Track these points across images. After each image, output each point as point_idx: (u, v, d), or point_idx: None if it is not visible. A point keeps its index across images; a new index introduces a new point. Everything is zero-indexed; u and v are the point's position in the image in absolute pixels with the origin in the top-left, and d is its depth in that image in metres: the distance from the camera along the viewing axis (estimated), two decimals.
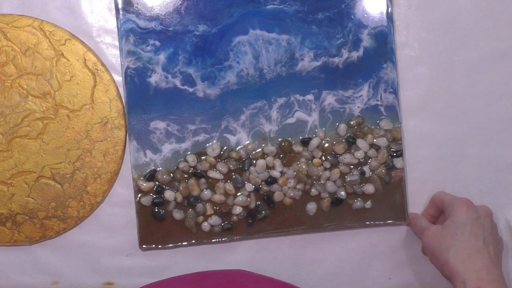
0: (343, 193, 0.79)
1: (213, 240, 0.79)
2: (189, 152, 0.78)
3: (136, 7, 0.77)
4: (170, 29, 0.77)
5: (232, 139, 0.78)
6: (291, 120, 0.79)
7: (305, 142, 0.79)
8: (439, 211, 0.78)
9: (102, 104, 0.78)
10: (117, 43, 0.78)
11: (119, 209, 0.79)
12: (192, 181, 0.78)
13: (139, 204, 0.78)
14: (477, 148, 0.81)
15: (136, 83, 0.77)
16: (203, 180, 0.78)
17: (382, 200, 0.79)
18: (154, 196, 0.78)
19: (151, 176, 0.78)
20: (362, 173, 0.79)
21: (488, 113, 0.80)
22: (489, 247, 0.71)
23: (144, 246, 0.78)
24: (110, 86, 0.78)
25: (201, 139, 0.78)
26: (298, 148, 0.79)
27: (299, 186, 0.79)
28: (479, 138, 0.80)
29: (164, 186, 0.78)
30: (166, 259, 0.80)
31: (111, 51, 0.79)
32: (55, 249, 0.79)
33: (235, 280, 0.76)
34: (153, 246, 0.79)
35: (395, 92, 0.79)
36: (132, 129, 0.78)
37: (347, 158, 0.79)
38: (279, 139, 0.79)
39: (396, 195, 0.79)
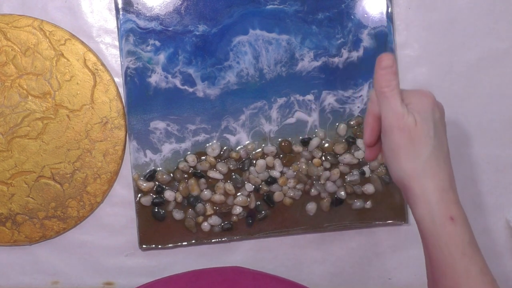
0: (343, 193, 0.79)
1: (213, 240, 0.79)
2: (189, 152, 0.78)
3: (136, 7, 0.77)
4: (170, 29, 0.77)
5: (232, 139, 0.78)
6: (291, 120, 0.79)
7: (305, 142, 0.79)
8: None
9: (102, 104, 0.78)
10: (117, 43, 0.78)
11: (119, 209, 0.79)
12: (192, 181, 0.78)
13: (139, 204, 0.78)
14: (477, 148, 0.81)
15: (136, 83, 0.77)
16: (203, 180, 0.78)
17: (382, 200, 0.79)
18: (154, 196, 0.78)
19: (151, 176, 0.78)
20: (362, 173, 0.79)
21: (488, 113, 0.80)
22: (449, 155, 0.59)
23: (144, 246, 0.78)
24: (110, 86, 0.78)
25: (201, 139, 0.78)
26: (298, 148, 0.79)
27: (299, 186, 0.79)
28: (479, 138, 0.80)
29: (164, 186, 0.78)
30: (166, 259, 0.80)
31: (111, 51, 0.79)
32: (55, 249, 0.80)
33: (232, 278, 0.76)
34: (153, 246, 0.79)
35: None
36: (132, 129, 0.78)
37: (347, 158, 0.79)
38: (279, 139, 0.79)
39: (396, 195, 0.79)
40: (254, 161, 0.78)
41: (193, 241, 0.79)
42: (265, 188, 0.79)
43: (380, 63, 0.59)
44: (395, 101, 0.57)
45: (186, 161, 0.78)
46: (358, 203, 0.79)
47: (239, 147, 0.78)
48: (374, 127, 0.61)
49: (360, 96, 0.79)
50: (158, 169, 0.78)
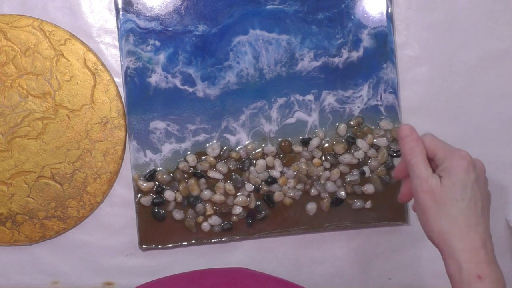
0: (343, 193, 0.79)
1: (213, 240, 0.79)
2: (189, 152, 0.78)
3: (136, 7, 0.77)
4: (170, 29, 0.77)
5: (232, 139, 0.78)
6: (291, 120, 0.79)
7: (305, 142, 0.79)
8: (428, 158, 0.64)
9: (102, 104, 0.78)
10: (117, 43, 0.78)
11: (119, 209, 0.79)
12: (192, 181, 0.78)
13: (139, 204, 0.78)
14: (477, 148, 0.80)
15: (136, 83, 0.77)
16: (203, 180, 0.78)
17: (382, 200, 0.79)
18: (154, 196, 0.78)
19: (151, 176, 0.78)
20: (362, 173, 0.79)
21: (488, 113, 0.80)
22: (485, 215, 0.61)
23: (144, 246, 0.78)
24: (110, 86, 0.78)
25: (201, 139, 0.78)
26: (298, 148, 0.79)
27: (299, 186, 0.79)
28: (479, 138, 0.80)
29: (164, 186, 0.78)
30: (166, 259, 0.80)
31: (111, 51, 0.79)
32: (55, 249, 0.80)
33: (237, 279, 0.76)
34: (153, 246, 0.79)
35: (395, 92, 0.79)
36: (132, 129, 0.78)
37: (347, 158, 0.79)
38: (279, 139, 0.79)
39: (396, 195, 0.79)
40: (254, 161, 0.78)
41: (193, 241, 0.79)
42: (265, 188, 0.79)
43: (399, 133, 0.62)
44: (418, 168, 0.61)
45: (186, 161, 0.78)
46: (358, 203, 0.79)
47: (239, 147, 0.78)
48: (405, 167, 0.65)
49: (360, 96, 0.78)
50: (158, 169, 0.78)
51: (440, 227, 0.59)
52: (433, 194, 0.60)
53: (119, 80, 0.78)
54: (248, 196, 0.79)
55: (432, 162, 0.63)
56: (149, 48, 0.77)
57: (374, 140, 0.79)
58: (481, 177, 0.62)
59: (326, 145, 0.79)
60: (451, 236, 0.59)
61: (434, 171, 0.62)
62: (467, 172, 0.60)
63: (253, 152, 0.79)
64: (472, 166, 0.61)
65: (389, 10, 0.78)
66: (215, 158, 0.78)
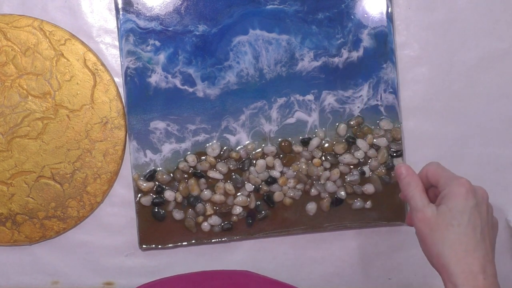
0: (343, 193, 0.79)
1: (213, 240, 0.79)
2: (189, 152, 0.78)
3: (136, 7, 0.77)
4: (170, 29, 0.77)
5: (232, 139, 0.78)
6: (291, 120, 0.79)
7: (305, 142, 0.79)
8: (431, 185, 0.67)
9: (102, 104, 0.78)
10: (117, 43, 0.78)
11: (119, 209, 0.79)
12: (192, 181, 0.78)
13: (139, 204, 0.78)
14: (477, 148, 0.81)
15: (136, 83, 0.77)
16: (203, 180, 0.78)
17: (382, 200, 0.79)
18: (154, 196, 0.78)
19: (151, 176, 0.78)
20: (362, 173, 0.79)
21: (488, 113, 0.80)
22: (486, 241, 0.63)
23: (144, 246, 0.78)
24: (110, 86, 0.78)
25: (201, 139, 0.78)
26: (298, 148, 0.79)
27: (299, 186, 0.79)
28: (479, 138, 0.80)
29: (164, 186, 0.78)
30: (166, 259, 0.80)
31: (111, 51, 0.79)
32: (55, 249, 0.80)
33: (239, 282, 0.76)
34: (153, 246, 0.79)
35: (395, 92, 0.79)
36: (132, 129, 0.78)
37: (347, 158, 0.79)
38: (279, 139, 0.79)
39: (396, 195, 0.79)
40: (254, 161, 0.78)
41: (193, 241, 0.79)
42: (265, 188, 0.79)
43: (396, 172, 0.67)
44: (413, 200, 0.64)
45: (186, 161, 0.78)
46: (358, 203, 0.79)
47: (239, 147, 0.78)
48: None
49: (360, 96, 0.79)
50: (158, 169, 0.78)
51: (437, 252, 0.62)
52: (429, 222, 0.63)
53: (119, 80, 0.78)
54: (248, 196, 0.79)
55: (436, 189, 0.65)
56: (149, 48, 0.77)
57: (374, 140, 0.79)
58: (482, 203, 0.64)
59: (326, 145, 0.79)
60: (448, 260, 0.61)
61: (437, 197, 0.64)
62: (465, 198, 0.62)
63: (253, 152, 0.79)
64: (471, 193, 0.63)
65: (389, 10, 0.78)
66: (215, 158, 0.78)
